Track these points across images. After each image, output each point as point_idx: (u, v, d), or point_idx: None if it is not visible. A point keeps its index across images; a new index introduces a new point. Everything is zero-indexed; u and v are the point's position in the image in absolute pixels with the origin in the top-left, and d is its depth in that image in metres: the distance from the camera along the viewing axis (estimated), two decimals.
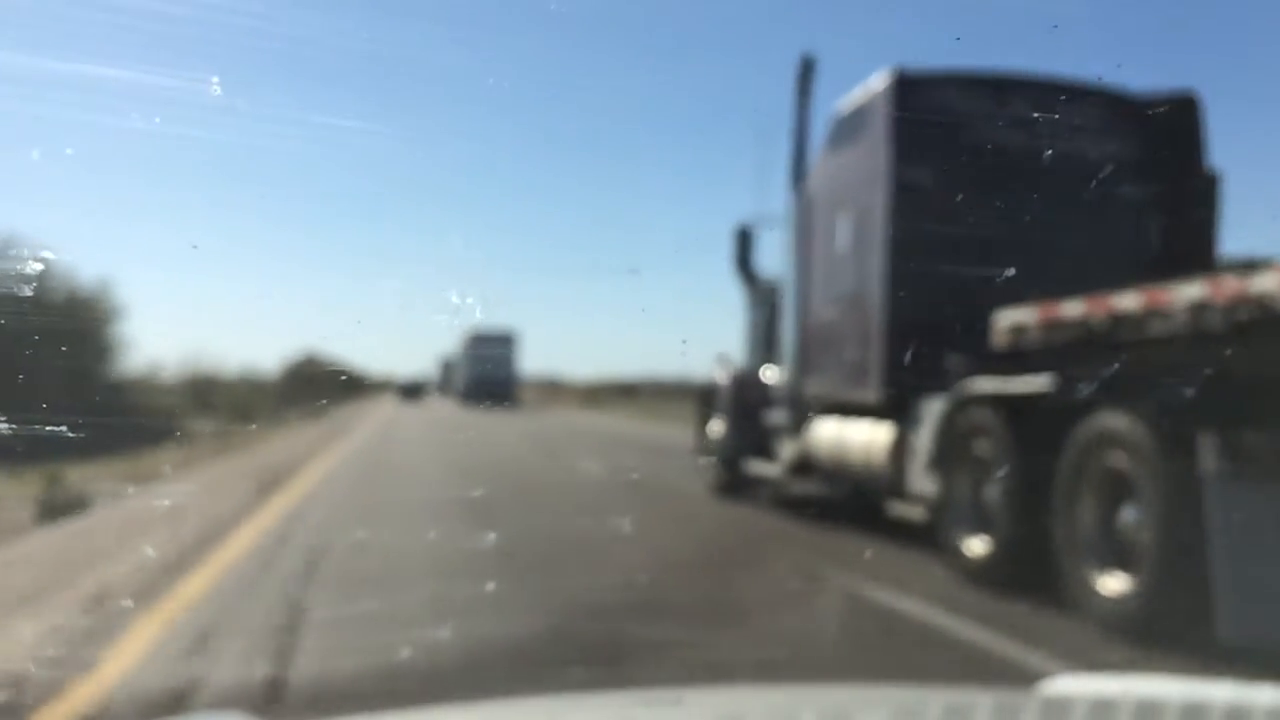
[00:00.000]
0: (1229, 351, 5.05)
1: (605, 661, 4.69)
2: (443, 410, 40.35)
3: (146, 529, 8.29)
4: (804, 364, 9.74)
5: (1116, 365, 5.77)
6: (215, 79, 5.34)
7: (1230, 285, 5.07)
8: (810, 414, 9.58)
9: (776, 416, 10.35)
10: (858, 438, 8.54)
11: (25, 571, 6.80)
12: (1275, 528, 4.90)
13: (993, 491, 6.66)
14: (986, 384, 6.76)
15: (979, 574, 6.63)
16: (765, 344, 11.30)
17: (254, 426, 18.94)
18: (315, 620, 5.40)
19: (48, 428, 6.43)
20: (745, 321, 12.07)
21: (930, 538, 7.33)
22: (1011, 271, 7.95)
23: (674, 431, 20.04)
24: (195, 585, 6.21)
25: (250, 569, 6.88)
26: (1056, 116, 8.65)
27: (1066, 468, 5.85)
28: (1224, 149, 9.61)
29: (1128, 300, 5.62)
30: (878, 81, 8.60)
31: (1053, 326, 6.29)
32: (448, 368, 55.68)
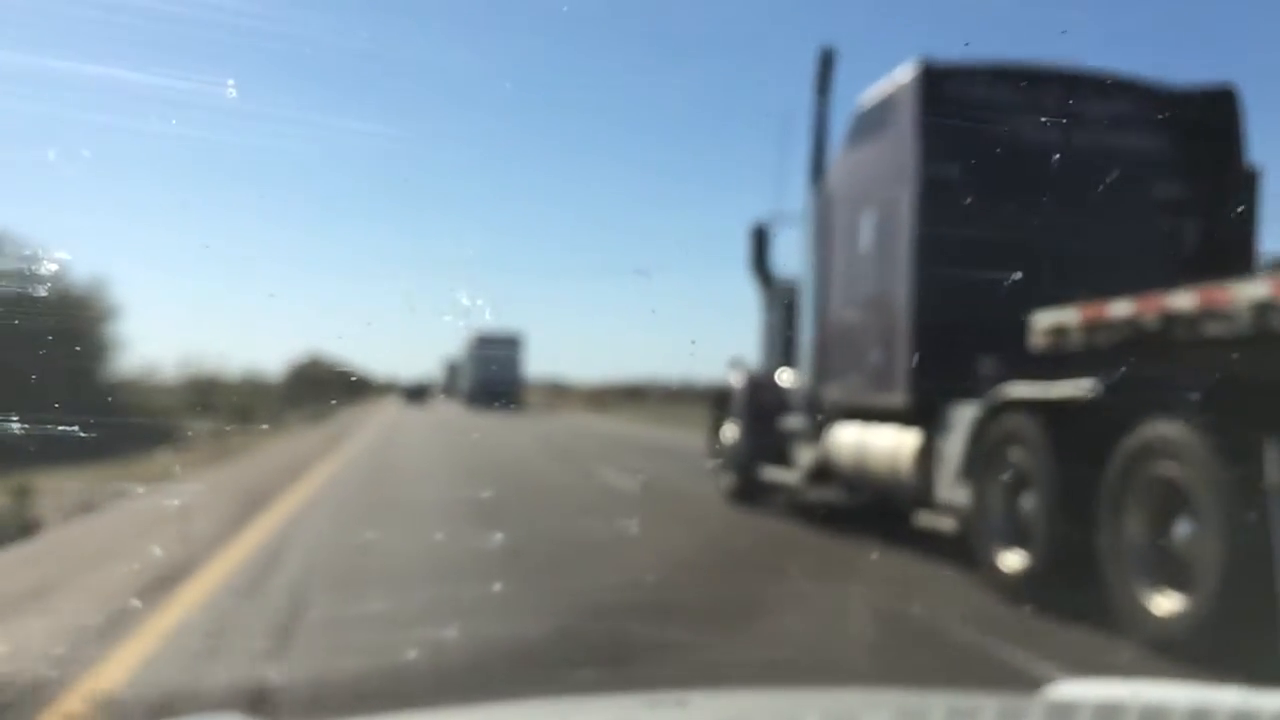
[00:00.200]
0: None
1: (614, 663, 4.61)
2: (447, 413, 40.04)
3: (107, 558, 7.40)
4: (823, 367, 9.40)
5: (1167, 369, 5.43)
6: (231, 82, 5.31)
7: None
8: (830, 419, 9.23)
9: (794, 421, 10.00)
10: (882, 444, 8.19)
11: None
12: None
13: (1029, 502, 6.30)
14: (1023, 389, 6.40)
15: (1015, 589, 6.27)
16: (781, 347, 10.96)
17: (264, 427, 18.58)
18: None
19: (31, 429, 6.10)
20: (760, 323, 11.73)
21: (961, 549, 6.98)
22: (1043, 271, 7.66)
23: (684, 435, 19.63)
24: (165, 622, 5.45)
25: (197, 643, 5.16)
26: (1089, 110, 8.31)
27: (1112, 478, 5.50)
28: (1265, 145, 9.25)
29: (1182, 300, 5.26)
30: (903, 73, 8.26)
31: (1097, 328, 5.93)
32: (452, 370, 55.44)
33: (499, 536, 8.04)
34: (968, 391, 7.26)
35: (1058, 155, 7.94)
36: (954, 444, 7.17)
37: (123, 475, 9.91)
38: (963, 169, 7.91)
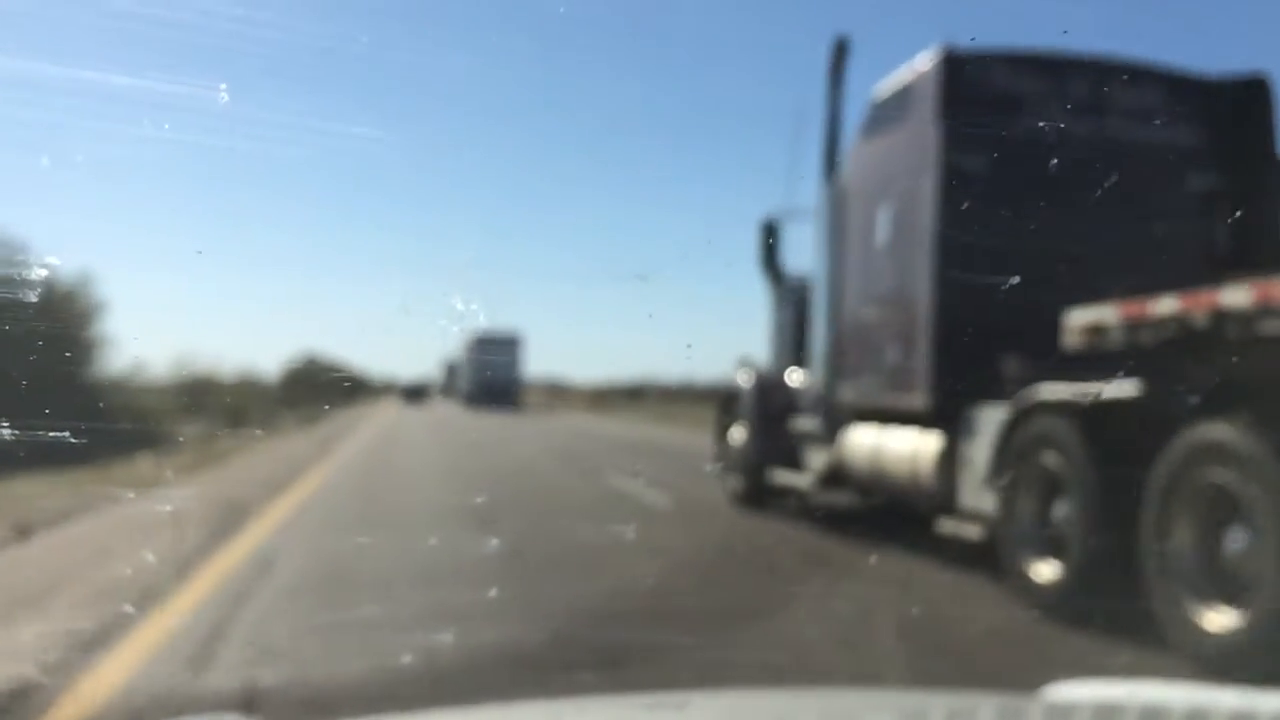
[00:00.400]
0: None
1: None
2: (446, 414, 39.68)
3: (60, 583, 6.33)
4: (837, 367, 9.05)
5: (1216, 369, 5.09)
6: (223, 86, 5.32)
7: None
8: (844, 421, 8.88)
9: (806, 423, 9.65)
10: (900, 448, 7.84)
11: None
12: None
13: (1064, 510, 5.96)
14: (1058, 390, 6.06)
15: (1048, 601, 5.93)
16: (792, 346, 10.61)
17: (257, 433, 18.11)
18: None
19: (14, 433, 5.79)
20: (770, 322, 11.37)
21: (987, 559, 6.64)
22: (1069, 266, 7.32)
23: (691, 437, 19.08)
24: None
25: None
26: (1117, 99, 7.98)
27: (1158, 485, 5.15)
28: None
29: (1236, 295, 4.92)
30: (923, 61, 7.92)
31: (1139, 325, 5.59)
32: (451, 371, 55.17)
33: (495, 593, 6.08)
34: (993, 393, 6.93)
35: (1084, 145, 7.62)
36: (980, 448, 6.83)
37: (98, 481, 9.20)
38: (986, 159, 7.59)
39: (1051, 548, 6.02)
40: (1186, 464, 5.01)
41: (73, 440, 6.35)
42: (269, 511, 9.67)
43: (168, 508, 8.08)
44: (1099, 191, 7.51)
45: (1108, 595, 5.55)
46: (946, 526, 7.22)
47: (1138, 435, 5.34)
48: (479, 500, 10.66)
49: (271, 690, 4.15)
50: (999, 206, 7.32)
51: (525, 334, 46.73)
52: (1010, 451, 6.43)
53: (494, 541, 7.84)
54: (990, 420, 6.76)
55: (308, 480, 12.58)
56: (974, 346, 7.17)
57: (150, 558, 6.69)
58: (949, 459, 7.24)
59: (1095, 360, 5.93)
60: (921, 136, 7.77)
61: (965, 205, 7.44)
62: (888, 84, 8.50)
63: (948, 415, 7.31)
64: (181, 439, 12.87)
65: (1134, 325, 5.62)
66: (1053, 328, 6.58)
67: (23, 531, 7.60)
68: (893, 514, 8.61)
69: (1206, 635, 4.81)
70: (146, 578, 6.25)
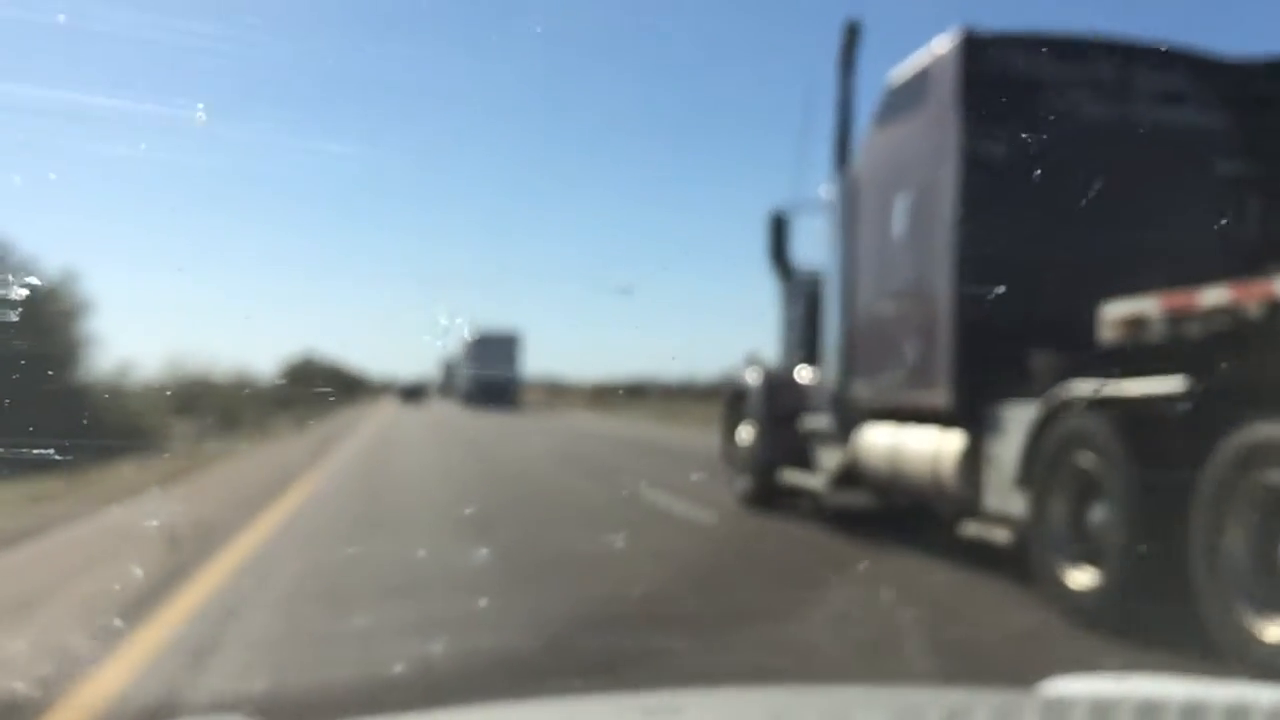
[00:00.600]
0: None
1: None
2: (445, 413, 39.36)
3: None
4: (851, 364, 8.72)
5: (1271, 363, 4.77)
6: (201, 106, 5.35)
7: None
8: (858, 419, 8.56)
9: (818, 422, 9.33)
10: (920, 447, 7.52)
11: None
12: None
13: (1101, 514, 5.63)
14: (1093, 386, 5.73)
15: (1084, 610, 5.61)
16: (802, 342, 10.29)
17: (247, 441, 17.68)
18: None
19: None
20: (779, 318, 11.05)
21: (1014, 564, 6.33)
22: (1097, 256, 7.03)
23: (700, 436, 18.45)
24: None
25: None
26: (1142, 82, 7.67)
27: (1208, 488, 4.83)
28: None
29: None
30: (941, 44, 7.60)
31: (1184, 318, 5.26)
32: (449, 370, 54.95)
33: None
34: (1018, 389, 6.61)
35: (1109, 131, 7.32)
36: (1006, 447, 6.51)
37: (60, 494, 8.53)
38: (1008, 146, 7.26)
39: (1087, 553, 5.69)
40: (1240, 465, 4.69)
41: (53, 451, 6.00)
42: (240, 539, 7.92)
43: (146, 522, 7.25)
44: (1126, 178, 7.21)
45: (1150, 602, 5.24)
46: (971, 529, 6.91)
47: (1184, 434, 5.02)
48: (474, 514, 9.58)
49: None
50: (1022, 194, 7.01)
51: (523, 333, 46.45)
52: (1041, 451, 6.10)
53: (488, 563, 7.05)
54: (1018, 418, 6.44)
55: (293, 494, 11.23)
56: (997, 341, 6.87)
57: (70, 612, 5.41)
58: (972, 459, 6.92)
59: (1131, 355, 5.61)
60: (940, 123, 7.45)
61: (987, 193, 7.13)
62: (903, 69, 8.18)
63: (970, 413, 7.00)
64: (169, 443, 12.43)
65: (1178, 318, 5.31)
66: (1080, 321, 6.28)
67: (52, 514, 7.06)
68: (911, 515, 8.30)
69: (1264, 645, 4.50)
70: (55, 647, 4.83)
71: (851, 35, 8.87)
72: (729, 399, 11.54)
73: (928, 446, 7.40)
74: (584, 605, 5.98)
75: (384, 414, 37.85)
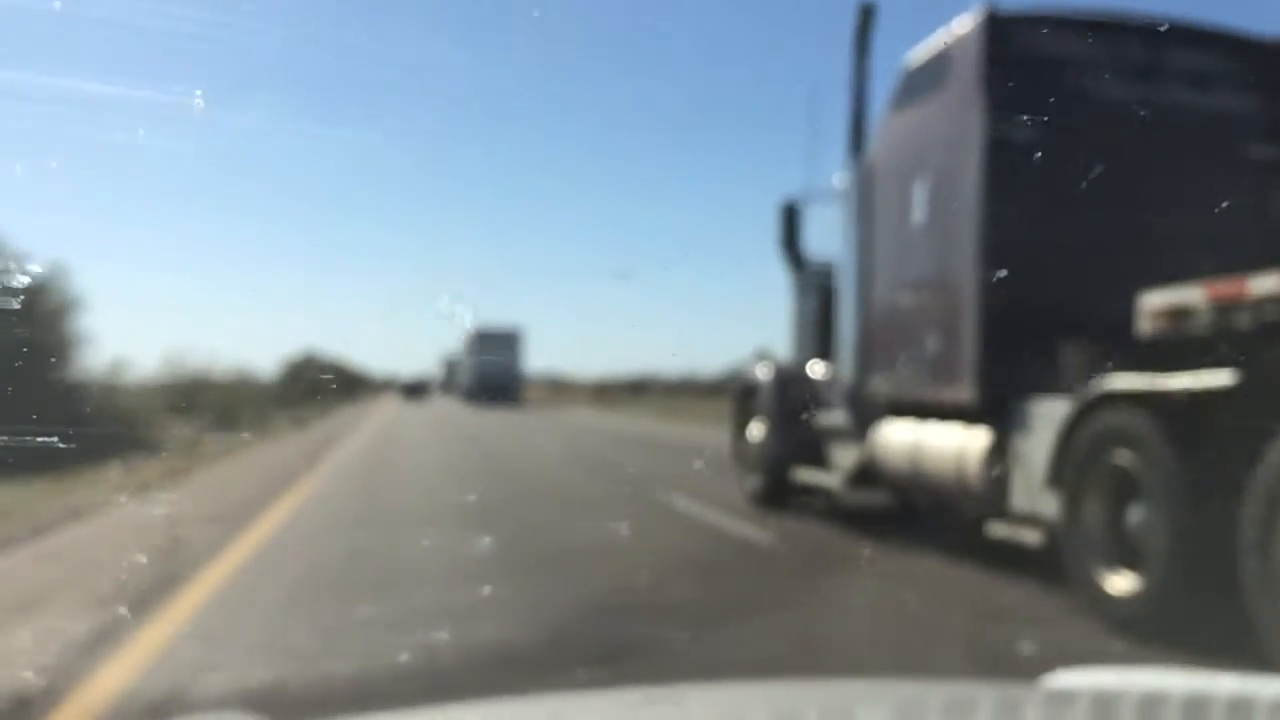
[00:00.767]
0: None
1: None
2: (447, 411, 39.05)
3: None
4: (868, 358, 8.41)
5: None
6: (199, 93, 5.50)
7: None
8: (876, 416, 8.24)
9: (833, 418, 9.02)
10: (942, 444, 7.20)
11: None
12: None
13: (1141, 515, 5.31)
14: (1132, 380, 5.41)
15: (1124, 617, 5.29)
16: (815, 336, 9.97)
17: (245, 435, 17.27)
18: None
19: None
20: (791, 311, 10.72)
21: (1045, 566, 6.01)
22: (1126, 243, 6.73)
23: (710, 434, 17.86)
24: None
25: None
26: (1175, 62, 7.35)
27: (1260, 487, 4.52)
28: None
29: None
30: (962, 23, 7.28)
31: (1232, 308, 4.94)
32: (451, 367, 54.75)
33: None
34: (1047, 384, 6.30)
35: (1139, 113, 6.99)
36: (1037, 445, 6.19)
37: (34, 499, 8.03)
38: (1033, 129, 6.95)
39: (1127, 557, 5.38)
40: None
41: (19, 444, 5.69)
42: (216, 566, 6.69)
43: (107, 543, 6.57)
44: (1156, 162, 6.90)
45: (1196, 608, 4.92)
46: (999, 530, 6.59)
47: (1233, 430, 4.70)
48: (488, 540, 7.89)
49: None
50: (1048, 179, 6.72)
51: (525, 329, 46.18)
52: (1074, 449, 5.78)
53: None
54: (1048, 414, 6.12)
55: (285, 501, 10.22)
56: (1024, 333, 6.56)
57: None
58: (999, 457, 6.61)
59: (1174, 347, 5.28)
60: (963, 105, 7.14)
61: (1012, 178, 6.82)
62: (922, 50, 7.85)
63: (996, 409, 6.69)
64: (163, 443, 12.03)
65: (1226, 308, 4.98)
66: (1111, 311, 5.97)
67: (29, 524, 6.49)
68: (933, 515, 7.99)
69: None
70: None
71: (866, 17, 8.55)
72: (739, 395, 11.22)
73: (951, 444, 7.08)
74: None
75: (386, 411, 37.56)
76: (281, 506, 9.88)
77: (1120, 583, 5.37)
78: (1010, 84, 6.96)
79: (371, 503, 11.13)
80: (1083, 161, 6.49)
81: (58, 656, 4.47)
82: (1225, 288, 4.99)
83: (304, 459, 14.20)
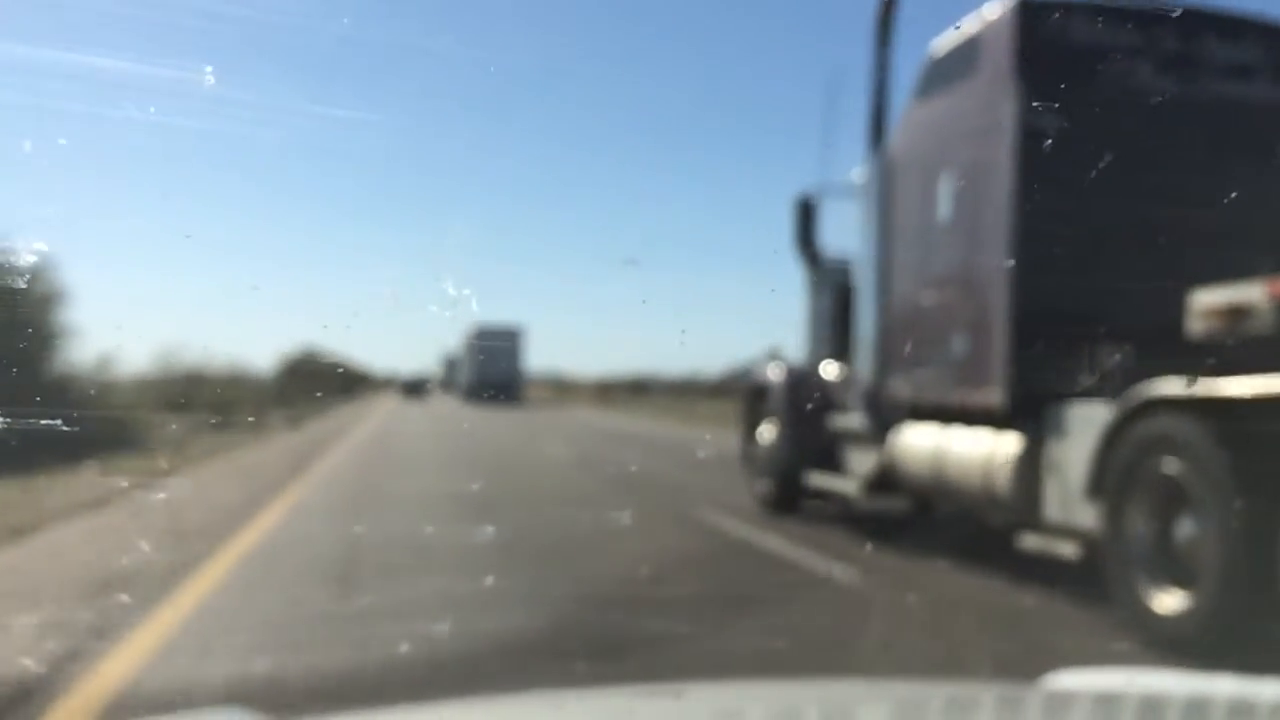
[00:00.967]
0: None
1: None
2: (447, 410, 38.71)
3: None
4: (888, 358, 8.07)
5: None
6: (209, 69, 5.07)
7: None
8: (896, 419, 7.91)
9: (849, 421, 8.68)
10: (968, 451, 6.87)
11: None
12: None
13: (1192, 528, 4.98)
14: (1182, 384, 5.07)
15: (1172, 636, 4.96)
16: (831, 335, 9.63)
17: (240, 433, 16.86)
18: None
19: None
20: (805, 309, 10.38)
21: (1086, 581, 5.68)
22: (1164, 240, 6.40)
23: (723, 435, 17.24)
24: None
25: None
26: (1212, 52, 7.02)
27: None
28: None
29: None
30: (992, 9, 6.95)
31: None
32: (451, 365, 54.38)
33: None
34: (1084, 388, 5.97)
35: (1177, 104, 6.68)
36: (1073, 452, 5.86)
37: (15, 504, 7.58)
38: (1067, 120, 6.61)
39: (1175, 574, 5.04)
40: None
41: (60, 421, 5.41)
42: (183, 595, 5.67)
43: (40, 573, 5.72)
44: (1195, 154, 6.59)
45: (1253, 628, 4.59)
46: (1032, 542, 6.25)
47: None
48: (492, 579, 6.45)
49: None
50: (1082, 171, 6.37)
51: (526, 328, 45.84)
52: (1117, 458, 5.44)
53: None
54: (1086, 420, 5.79)
55: (273, 509, 9.36)
56: (1058, 334, 6.23)
57: None
58: (1031, 465, 6.28)
59: (1231, 349, 4.95)
60: (992, 95, 6.81)
61: (1045, 170, 6.49)
62: (948, 38, 7.52)
63: (1028, 413, 6.36)
64: (150, 441, 11.61)
65: None
66: (1152, 309, 5.67)
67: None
68: (960, 524, 7.65)
69: None
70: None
71: (888, 4, 8.22)
72: (748, 396, 10.88)
73: (978, 450, 6.75)
74: None
75: (386, 408, 37.23)
76: (259, 523, 8.48)
77: (1169, 600, 5.04)
78: (1043, 72, 6.63)
79: (360, 512, 10.75)
80: (1118, 153, 6.16)
81: None
82: None
83: (290, 467, 13.28)
